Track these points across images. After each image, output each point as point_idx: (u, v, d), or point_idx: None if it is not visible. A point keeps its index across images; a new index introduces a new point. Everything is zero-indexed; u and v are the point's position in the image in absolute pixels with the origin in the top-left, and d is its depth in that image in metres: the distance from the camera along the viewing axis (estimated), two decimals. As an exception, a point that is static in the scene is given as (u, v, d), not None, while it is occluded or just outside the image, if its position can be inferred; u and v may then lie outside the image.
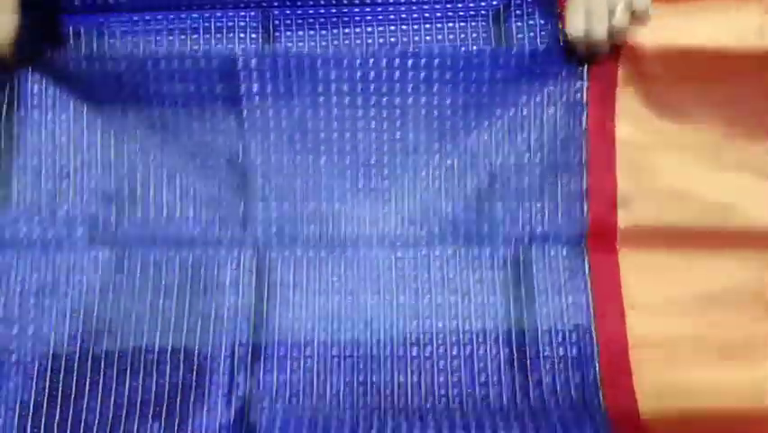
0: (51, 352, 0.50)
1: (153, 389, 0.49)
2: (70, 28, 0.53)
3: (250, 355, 0.50)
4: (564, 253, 0.53)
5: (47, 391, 0.49)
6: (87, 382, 0.50)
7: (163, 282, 0.52)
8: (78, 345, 0.50)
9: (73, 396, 0.49)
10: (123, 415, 0.49)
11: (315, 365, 0.51)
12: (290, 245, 0.53)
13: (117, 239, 0.52)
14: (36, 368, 0.49)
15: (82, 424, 0.48)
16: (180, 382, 0.50)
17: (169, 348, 0.50)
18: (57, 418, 0.48)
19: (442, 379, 0.50)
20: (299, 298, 0.52)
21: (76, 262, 0.52)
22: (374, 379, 0.50)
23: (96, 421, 0.48)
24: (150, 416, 0.49)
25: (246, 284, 0.52)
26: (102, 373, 0.50)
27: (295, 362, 0.51)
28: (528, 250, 0.53)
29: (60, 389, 0.49)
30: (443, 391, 0.50)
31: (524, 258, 0.53)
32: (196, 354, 0.50)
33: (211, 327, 0.51)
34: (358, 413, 0.49)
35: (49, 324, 0.51)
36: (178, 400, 0.49)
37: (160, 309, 0.51)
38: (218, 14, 0.53)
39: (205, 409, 0.49)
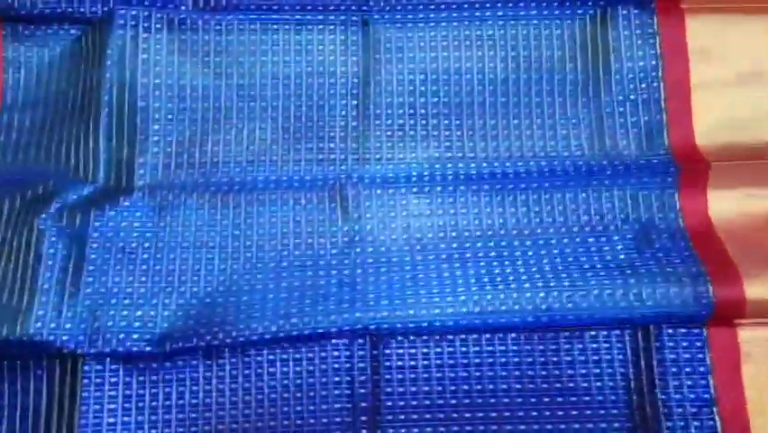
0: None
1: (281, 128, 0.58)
2: None
3: (361, 110, 0.58)
4: (636, 12, 0.59)
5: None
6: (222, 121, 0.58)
7: (279, 61, 0.59)
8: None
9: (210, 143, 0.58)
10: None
11: (419, 118, 0.59)
12: (390, 12, 0.59)
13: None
14: None
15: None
16: (304, 124, 0.58)
17: (292, 101, 0.58)
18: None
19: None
20: (400, 55, 0.59)
21: None
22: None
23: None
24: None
25: (352, 47, 0.59)
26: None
27: (399, 117, 0.59)
28: (605, 10, 0.59)
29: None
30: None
31: (600, 17, 0.59)
32: (315, 111, 0.59)
33: (325, 92, 0.59)
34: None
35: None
36: (304, 137, 0.58)
37: (280, 85, 0.59)
38: None
39: (323, 154, 0.58)
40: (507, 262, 0.54)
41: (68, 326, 0.51)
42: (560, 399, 0.52)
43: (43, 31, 0.59)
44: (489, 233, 0.56)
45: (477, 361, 0.52)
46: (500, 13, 0.59)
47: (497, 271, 0.54)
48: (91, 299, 0.52)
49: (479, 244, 0.55)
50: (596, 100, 0.58)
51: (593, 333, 0.52)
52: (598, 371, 0.52)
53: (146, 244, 0.55)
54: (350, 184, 0.57)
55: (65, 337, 0.51)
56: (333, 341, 0.52)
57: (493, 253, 0.55)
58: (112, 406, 0.51)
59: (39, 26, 0.59)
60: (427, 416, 0.52)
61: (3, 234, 0.54)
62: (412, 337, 0.52)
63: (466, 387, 0.52)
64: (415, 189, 0.57)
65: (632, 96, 0.58)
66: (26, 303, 0.51)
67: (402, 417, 0.52)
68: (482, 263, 0.54)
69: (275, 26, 0.59)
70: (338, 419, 0.51)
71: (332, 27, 0.59)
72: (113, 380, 0.51)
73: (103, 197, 0.55)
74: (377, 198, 0.57)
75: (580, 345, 0.52)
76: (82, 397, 0.51)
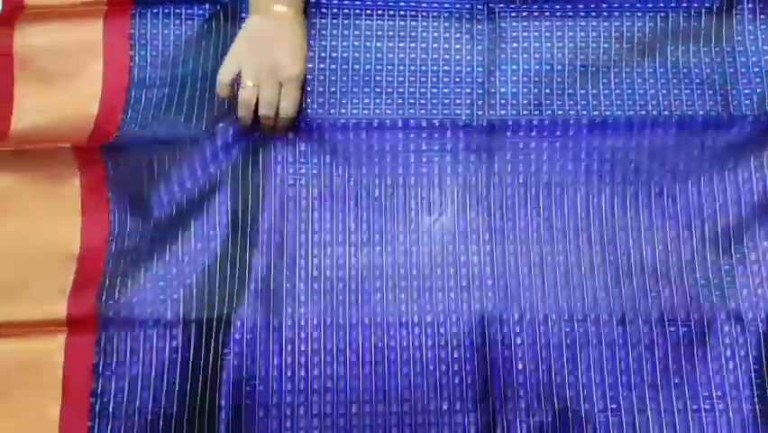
0: None
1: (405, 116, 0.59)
2: None
3: (486, 99, 0.59)
4: (761, 5, 0.59)
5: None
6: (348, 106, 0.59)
7: (406, 47, 0.59)
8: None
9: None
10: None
11: (544, 109, 0.59)
12: (516, 2, 0.60)
13: None
14: None
15: None
16: (428, 111, 0.59)
17: (417, 88, 0.59)
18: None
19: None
20: (526, 45, 0.59)
21: None
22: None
23: None
24: None
25: (478, 36, 0.59)
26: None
27: (524, 108, 0.59)
28: (730, 3, 0.59)
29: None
30: None
31: (726, 11, 0.59)
32: (440, 99, 0.59)
33: (450, 80, 0.59)
34: None
35: None
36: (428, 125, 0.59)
37: (406, 71, 0.59)
38: None
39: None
40: (637, 255, 0.55)
41: None
42: (693, 381, 0.53)
43: (171, 10, 0.60)
44: (620, 228, 0.56)
45: (610, 351, 0.53)
46: (627, 5, 0.59)
47: (632, 262, 0.55)
48: None
49: (608, 245, 0.56)
50: (722, 93, 0.58)
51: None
52: (729, 353, 0.53)
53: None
54: (480, 174, 0.57)
55: None
56: (461, 323, 0.54)
57: (623, 247, 0.56)
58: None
59: (167, 5, 0.60)
60: (557, 403, 0.53)
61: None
62: (539, 323, 0.54)
63: (598, 377, 0.53)
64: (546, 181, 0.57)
65: (759, 90, 0.58)
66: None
67: (526, 399, 0.53)
68: (612, 258, 0.55)
69: (402, 12, 0.59)
70: (471, 395, 0.53)
71: (458, 15, 0.59)
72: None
73: None
74: (508, 190, 0.57)
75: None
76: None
